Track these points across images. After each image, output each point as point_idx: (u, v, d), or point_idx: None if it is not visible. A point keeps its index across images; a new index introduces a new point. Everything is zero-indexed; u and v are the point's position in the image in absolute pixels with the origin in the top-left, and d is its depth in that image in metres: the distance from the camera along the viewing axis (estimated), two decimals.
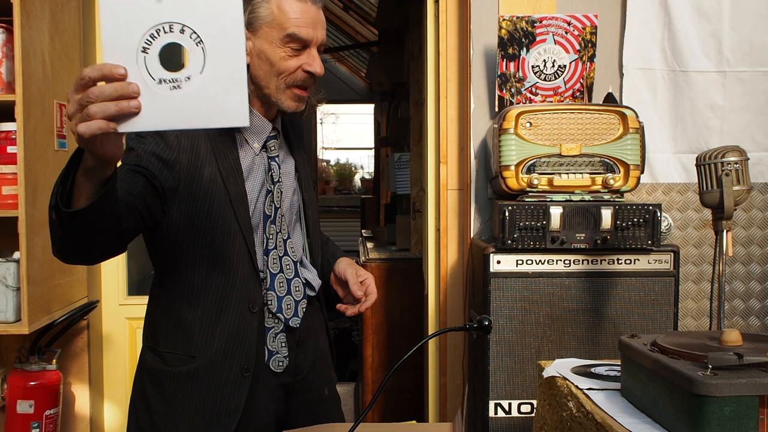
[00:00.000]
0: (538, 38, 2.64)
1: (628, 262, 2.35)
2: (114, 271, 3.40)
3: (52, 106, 2.89)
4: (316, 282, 1.86)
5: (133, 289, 3.51)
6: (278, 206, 1.78)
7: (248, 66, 1.64)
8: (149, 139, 1.64)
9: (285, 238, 1.79)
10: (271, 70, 1.69)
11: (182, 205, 1.68)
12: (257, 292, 1.75)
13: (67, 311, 2.99)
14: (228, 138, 1.72)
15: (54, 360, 2.99)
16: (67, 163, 1.31)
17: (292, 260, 1.80)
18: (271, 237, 1.76)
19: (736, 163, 1.71)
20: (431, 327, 3.02)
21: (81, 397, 3.25)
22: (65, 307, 3.00)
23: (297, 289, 1.80)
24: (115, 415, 3.44)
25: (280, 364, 1.79)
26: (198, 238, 1.70)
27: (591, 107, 2.40)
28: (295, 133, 1.93)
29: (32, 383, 2.89)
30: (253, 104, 1.74)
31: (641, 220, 2.30)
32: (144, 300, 1.89)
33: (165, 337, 1.74)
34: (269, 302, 1.76)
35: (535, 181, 2.36)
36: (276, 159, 1.79)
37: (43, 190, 2.78)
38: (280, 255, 1.78)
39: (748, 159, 1.73)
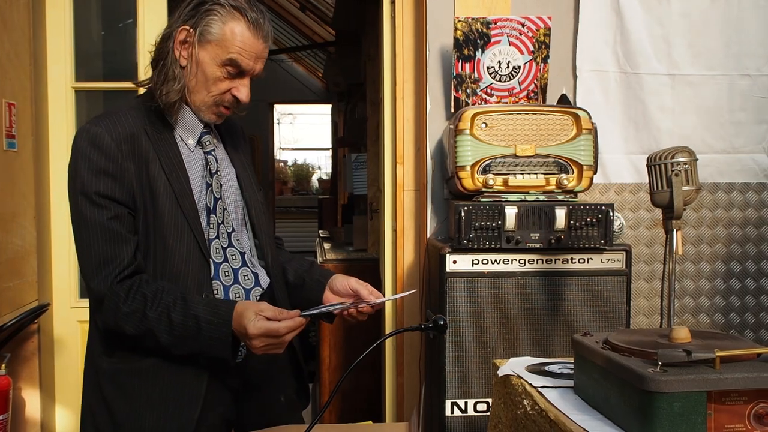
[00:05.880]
0: (492, 39, 2.67)
1: (581, 261, 2.38)
2: (65, 273, 3.34)
3: (0, 106, 2.82)
4: (264, 280, 1.87)
5: (85, 292, 3.44)
6: (218, 197, 1.81)
7: (183, 68, 1.74)
8: (95, 159, 1.68)
9: (229, 231, 1.82)
10: (204, 83, 1.75)
11: (136, 204, 1.72)
12: (209, 282, 1.77)
13: (16, 315, 2.92)
14: (166, 136, 1.77)
15: (3, 365, 2.92)
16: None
17: (239, 251, 1.83)
18: (212, 227, 1.78)
19: (686, 164, 1.74)
20: (388, 327, 3.03)
21: (31, 402, 3.18)
22: (14, 311, 2.93)
23: (246, 278, 1.82)
24: (67, 419, 3.37)
25: (240, 353, 1.80)
26: (151, 234, 1.72)
27: (545, 108, 2.43)
28: (231, 137, 1.96)
29: None
30: (183, 103, 1.79)
31: (594, 220, 2.34)
32: None
33: (123, 337, 1.73)
34: (215, 291, 1.77)
35: (491, 182, 2.38)
36: (213, 153, 1.84)
37: None
38: (224, 246, 1.80)
39: (697, 159, 1.76)
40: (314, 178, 13.05)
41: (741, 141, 2.92)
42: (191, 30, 1.72)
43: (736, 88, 2.90)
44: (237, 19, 1.72)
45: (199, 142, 1.83)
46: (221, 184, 1.83)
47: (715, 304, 2.93)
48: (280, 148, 13.61)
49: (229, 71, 1.73)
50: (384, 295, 1.86)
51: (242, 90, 1.76)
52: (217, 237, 1.79)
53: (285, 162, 13.67)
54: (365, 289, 1.86)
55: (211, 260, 1.77)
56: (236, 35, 1.71)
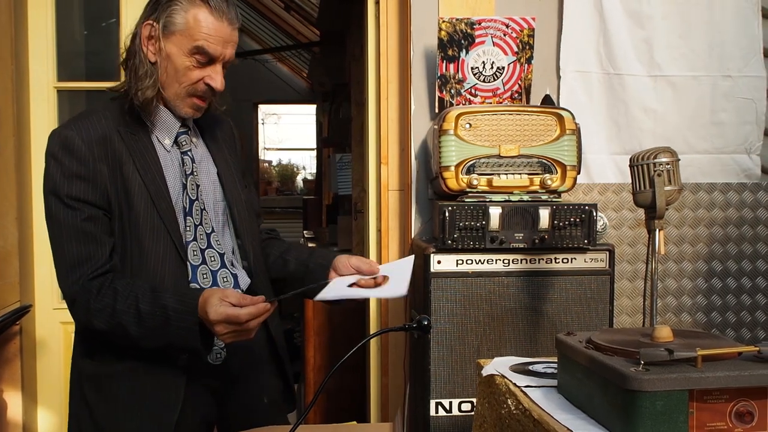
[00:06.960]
0: (477, 40, 2.67)
1: (565, 261, 2.39)
2: (47, 275, 3.31)
3: None
4: (244, 281, 1.85)
5: None
6: (194, 198, 1.79)
7: (154, 64, 1.71)
8: (67, 163, 1.67)
9: (208, 231, 1.80)
10: (175, 75, 1.72)
11: (111, 206, 1.71)
12: (186, 285, 1.75)
13: None
14: (142, 137, 1.75)
15: None
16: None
17: (218, 253, 1.80)
18: (189, 229, 1.76)
19: (668, 164, 1.75)
20: (372, 327, 3.03)
21: (13, 405, 3.15)
22: None
23: (225, 279, 1.80)
24: (49, 421, 3.34)
25: (218, 356, 1.79)
26: (127, 235, 1.71)
27: (529, 109, 2.44)
28: (214, 135, 1.94)
29: None
30: (159, 101, 1.76)
31: (578, 220, 2.35)
32: None
33: (100, 338, 1.72)
34: None
35: (475, 182, 2.38)
36: (189, 153, 1.82)
37: None
38: (202, 247, 1.78)
39: (679, 160, 1.77)
40: (299, 179, 13.01)
41: (723, 141, 2.94)
42: (155, 24, 1.70)
43: (718, 89, 2.92)
44: (198, 6, 1.69)
45: (176, 142, 1.80)
46: (198, 185, 1.81)
47: (697, 303, 2.96)
48: (265, 148, 13.55)
49: (198, 60, 1.70)
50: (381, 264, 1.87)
51: (215, 78, 1.73)
52: (195, 239, 1.77)
53: (269, 162, 13.62)
54: (365, 265, 1.83)
55: (188, 263, 1.75)
56: (200, 22, 1.68)
